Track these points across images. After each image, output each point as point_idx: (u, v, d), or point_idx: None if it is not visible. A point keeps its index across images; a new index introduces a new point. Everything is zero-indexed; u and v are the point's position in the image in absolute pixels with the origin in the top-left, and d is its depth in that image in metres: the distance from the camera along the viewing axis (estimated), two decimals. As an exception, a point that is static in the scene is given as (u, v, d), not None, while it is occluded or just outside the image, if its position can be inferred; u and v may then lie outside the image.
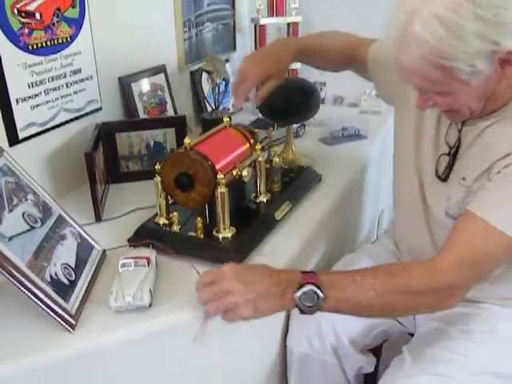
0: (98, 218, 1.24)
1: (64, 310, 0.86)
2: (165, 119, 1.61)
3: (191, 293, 0.95)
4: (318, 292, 0.84)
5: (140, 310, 0.89)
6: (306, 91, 1.46)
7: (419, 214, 1.08)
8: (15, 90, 1.18)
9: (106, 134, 1.41)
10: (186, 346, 0.93)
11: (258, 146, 1.16)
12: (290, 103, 1.43)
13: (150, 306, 0.90)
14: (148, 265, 0.96)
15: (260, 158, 1.16)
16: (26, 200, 0.95)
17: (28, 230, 0.90)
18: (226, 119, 1.19)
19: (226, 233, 1.04)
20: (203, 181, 1.02)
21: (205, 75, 1.90)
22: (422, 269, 0.90)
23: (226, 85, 1.80)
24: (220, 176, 1.00)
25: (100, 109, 1.48)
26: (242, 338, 1.01)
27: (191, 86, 1.95)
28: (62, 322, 0.85)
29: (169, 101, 1.75)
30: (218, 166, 1.03)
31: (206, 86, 1.93)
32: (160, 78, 1.72)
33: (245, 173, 1.08)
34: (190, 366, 0.96)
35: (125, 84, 1.57)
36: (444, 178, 1.01)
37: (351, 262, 1.23)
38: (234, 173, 1.08)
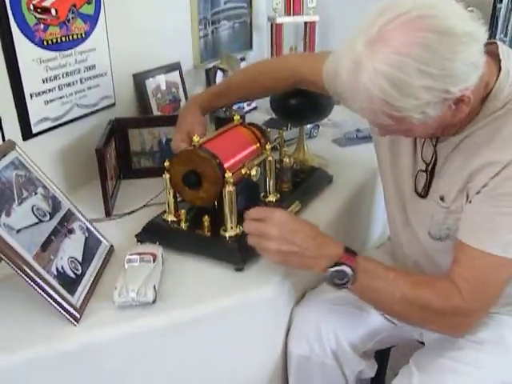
0: (108, 214, 1.25)
1: (69, 303, 0.87)
2: (177, 116, 1.61)
3: (196, 291, 0.96)
4: (350, 276, 0.88)
5: (143, 306, 0.90)
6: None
7: (406, 233, 1.07)
8: (29, 85, 1.19)
9: (118, 130, 1.42)
10: (187, 344, 0.94)
11: (268, 146, 1.16)
12: (304, 103, 1.43)
13: (154, 302, 0.90)
14: (153, 261, 0.96)
15: (270, 158, 1.16)
16: (36, 194, 0.97)
17: (36, 223, 0.91)
18: (236, 118, 1.19)
19: (232, 232, 1.04)
20: (211, 179, 1.02)
21: (219, 74, 1.90)
22: (447, 289, 0.89)
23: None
24: (228, 175, 1.00)
25: (113, 105, 1.49)
26: (244, 339, 1.01)
27: (206, 84, 1.95)
28: (67, 315, 0.86)
29: (183, 98, 1.76)
30: (226, 165, 1.03)
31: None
32: (174, 76, 1.73)
33: (253, 172, 1.08)
34: (191, 365, 0.96)
35: (139, 81, 1.58)
36: (423, 194, 0.99)
37: None
38: (243, 171, 1.07)
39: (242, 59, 2.12)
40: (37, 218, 0.92)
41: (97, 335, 0.86)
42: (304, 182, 1.31)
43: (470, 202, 0.89)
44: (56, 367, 0.85)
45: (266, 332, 1.05)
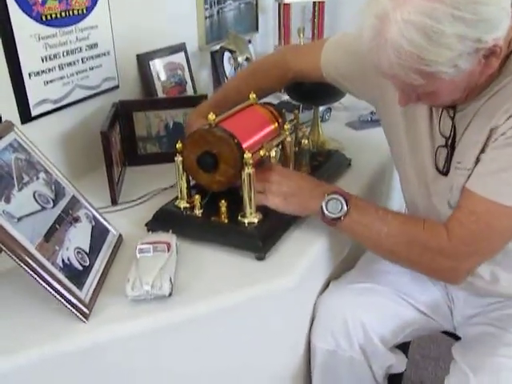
0: (114, 202, 1.17)
1: (77, 298, 0.78)
2: (185, 98, 1.53)
3: (214, 282, 0.88)
4: (344, 205, 0.91)
5: (159, 299, 0.82)
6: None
7: (428, 213, 0.99)
8: (28, 64, 1.10)
9: (123, 114, 1.34)
10: (206, 339, 0.86)
11: (287, 126, 1.07)
12: (317, 84, 1.34)
13: (170, 295, 0.82)
14: (168, 250, 0.88)
15: (288, 139, 1.08)
16: (38, 179, 0.88)
17: (39, 211, 0.83)
18: (251, 96, 1.10)
19: (252, 218, 0.96)
20: (229, 160, 0.93)
21: (227, 56, 1.81)
22: (435, 228, 0.89)
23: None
24: (247, 155, 0.92)
25: (117, 87, 1.41)
26: (265, 333, 0.93)
27: (212, 66, 1.86)
28: (75, 311, 0.78)
29: (189, 81, 1.66)
30: (244, 145, 0.95)
31: (228, 67, 1.84)
32: (180, 57, 1.64)
33: (273, 153, 1.00)
34: (210, 361, 0.88)
35: (143, 62, 1.49)
36: (445, 171, 0.93)
37: None
38: (262, 153, 0.99)
39: (249, 41, 2.02)
40: (39, 204, 0.84)
41: (108, 333, 0.78)
42: (322, 166, 1.23)
43: (485, 152, 0.85)
44: (63, 368, 0.77)
45: (288, 325, 0.97)
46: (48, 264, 0.77)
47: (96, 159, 1.30)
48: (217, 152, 0.93)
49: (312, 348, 1.03)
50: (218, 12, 1.86)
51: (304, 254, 0.95)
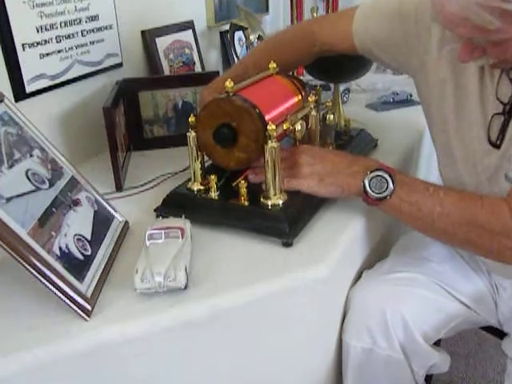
0: (119, 188, 1.05)
1: (77, 292, 0.67)
2: (195, 75, 1.41)
3: (235, 273, 0.76)
4: (390, 182, 0.81)
5: (173, 292, 0.70)
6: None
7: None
8: (21, 33, 0.99)
9: (127, 93, 1.22)
10: (228, 337, 0.74)
11: (312, 98, 0.95)
12: (342, 58, 1.23)
13: (186, 288, 0.71)
14: (182, 237, 0.77)
15: (313, 112, 0.96)
16: (32, 156, 0.77)
17: (32, 191, 0.71)
18: (271, 65, 0.99)
19: (276, 199, 0.84)
20: (250, 133, 0.82)
21: (237, 35, 1.70)
22: (495, 205, 0.78)
23: (261, 43, 1.59)
24: (271, 127, 0.80)
25: (121, 65, 1.29)
26: (292, 328, 0.81)
27: (221, 47, 1.75)
28: (75, 308, 0.66)
29: (197, 61, 1.55)
30: (267, 117, 0.83)
31: (238, 48, 1.72)
32: (188, 35, 1.52)
33: (298, 127, 0.88)
34: (232, 361, 0.77)
35: (149, 38, 1.38)
36: (499, 143, 0.81)
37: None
38: (285, 127, 0.87)
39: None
40: (33, 184, 0.72)
41: (115, 332, 0.66)
42: (348, 145, 1.11)
43: None
44: (63, 374, 0.65)
45: (318, 321, 0.84)
46: (42, 252, 0.65)
47: (98, 143, 1.19)
48: (236, 124, 0.82)
49: (344, 346, 0.91)
50: (227, -11, 1.74)
51: (335, 240, 0.83)
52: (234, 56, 1.69)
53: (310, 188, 0.86)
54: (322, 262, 0.78)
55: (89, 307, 0.67)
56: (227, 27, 1.71)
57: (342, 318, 0.91)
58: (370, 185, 0.81)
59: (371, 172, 0.82)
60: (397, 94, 1.60)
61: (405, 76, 1.94)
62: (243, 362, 0.77)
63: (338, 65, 1.21)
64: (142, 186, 1.07)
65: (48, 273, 0.64)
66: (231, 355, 0.75)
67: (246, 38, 1.54)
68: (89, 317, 0.67)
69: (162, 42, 1.42)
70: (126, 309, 0.69)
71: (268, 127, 0.80)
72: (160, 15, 1.43)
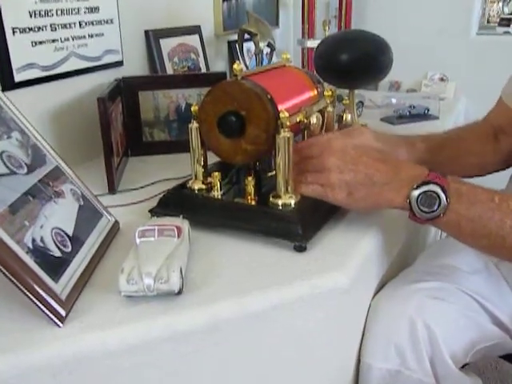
0: (112, 189, 0.95)
1: (49, 292, 0.56)
2: (201, 76, 1.32)
3: (239, 279, 0.65)
4: (442, 196, 0.65)
5: (164, 297, 0.59)
6: (376, 46, 1.17)
7: None
8: (12, 16, 0.91)
9: (126, 92, 1.13)
10: (228, 353, 0.62)
11: (328, 92, 0.86)
12: (357, 59, 1.15)
13: (180, 292, 0.60)
14: (178, 236, 0.66)
15: (330, 108, 0.86)
16: (9, 138, 0.67)
17: (6, 174, 0.61)
18: (285, 55, 0.90)
19: (287, 198, 0.73)
20: (259, 122, 0.72)
21: (246, 46, 1.62)
22: None
23: (272, 52, 1.51)
24: (284, 114, 0.70)
25: (121, 63, 1.21)
26: (303, 345, 0.68)
27: (229, 57, 1.67)
28: (46, 311, 0.55)
29: (203, 67, 1.47)
30: (281, 107, 0.73)
31: (247, 59, 1.65)
32: (194, 40, 1.45)
33: (314, 120, 0.78)
34: (232, 380, 0.65)
35: (153, 39, 1.30)
36: None
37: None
38: (299, 118, 0.77)
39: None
40: (6, 167, 0.62)
41: (93, 341, 0.55)
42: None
43: None
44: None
45: (334, 338, 0.72)
46: (10, 241, 0.54)
47: (92, 147, 1.10)
48: (245, 111, 0.72)
49: (364, 367, 0.77)
50: (236, -1, 1.68)
51: (355, 245, 0.73)
52: (244, 66, 1.61)
53: (336, 201, 0.72)
54: (341, 269, 0.67)
55: (62, 312, 0.56)
56: (235, 37, 1.63)
57: (362, 335, 0.78)
58: (418, 202, 0.67)
59: (418, 186, 0.67)
60: (413, 107, 1.52)
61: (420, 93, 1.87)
62: (243, 381, 0.65)
63: (352, 67, 1.13)
64: (137, 189, 0.97)
65: (14, 266, 0.53)
66: (230, 373, 0.63)
67: (256, 45, 1.46)
68: (62, 322, 0.55)
69: (167, 44, 1.34)
70: (107, 315, 0.58)
71: (281, 115, 0.70)
72: (165, 17, 1.36)
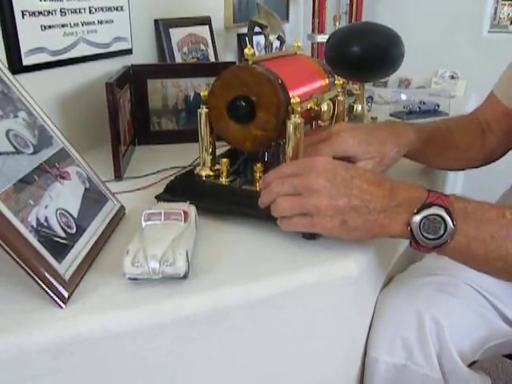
0: (118, 175, 0.94)
1: (52, 272, 0.55)
2: (210, 65, 1.31)
3: (246, 266, 0.64)
4: (448, 219, 0.58)
5: (170, 281, 0.58)
6: (388, 38, 1.15)
7: None
8: (21, -1, 0.90)
9: (135, 80, 1.12)
10: (234, 340, 0.61)
11: (339, 81, 0.85)
12: (369, 51, 1.13)
13: (186, 276, 0.58)
14: (185, 220, 0.65)
15: (341, 97, 0.85)
16: (16, 117, 0.66)
17: (11, 153, 0.60)
18: (296, 43, 0.88)
19: (296, 185, 0.72)
20: (270, 107, 0.70)
21: (256, 39, 1.61)
22: None
23: (282, 45, 1.50)
24: (295, 100, 0.69)
25: (130, 51, 1.20)
26: (310, 335, 0.67)
27: (238, 50, 1.66)
28: (49, 291, 0.54)
29: (212, 59, 1.46)
30: (291, 93, 0.72)
31: (256, 52, 1.63)
32: (204, 31, 1.44)
33: (325, 107, 0.77)
34: (237, 371, 0.63)
35: (162, 28, 1.29)
36: None
37: None
38: (310, 105, 0.76)
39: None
40: (12, 146, 0.61)
41: (95, 324, 0.53)
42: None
43: None
44: (25, 371, 0.52)
45: (341, 329, 0.70)
46: (14, 219, 0.53)
47: (99, 135, 1.09)
48: (255, 96, 0.70)
49: (370, 361, 0.75)
50: (247, -10, 1.66)
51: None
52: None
53: (325, 230, 0.63)
54: (352, 257, 0.66)
55: (65, 292, 0.55)
56: (245, 30, 1.62)
57: (370, 326, 0.77)
58: (420, 228, 0.59)
59: (419, 210, 0.59)
60: (423, 103, 1.50)
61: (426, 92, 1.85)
62: (248, 369, 0.64)
63: (363, 59, 1.11)
64: (143, 176, 0.95)
65: (17, 244, 0.52)
66: (235, 360, 0.62)
67: (266, 37, 1.44)
68: (64, 304, 0.54)
69: (176, 34, 1.33)
70: (111, 297, 0.56)
71: (292, 100, 0.69)
72: (175, 6, 1.35)
